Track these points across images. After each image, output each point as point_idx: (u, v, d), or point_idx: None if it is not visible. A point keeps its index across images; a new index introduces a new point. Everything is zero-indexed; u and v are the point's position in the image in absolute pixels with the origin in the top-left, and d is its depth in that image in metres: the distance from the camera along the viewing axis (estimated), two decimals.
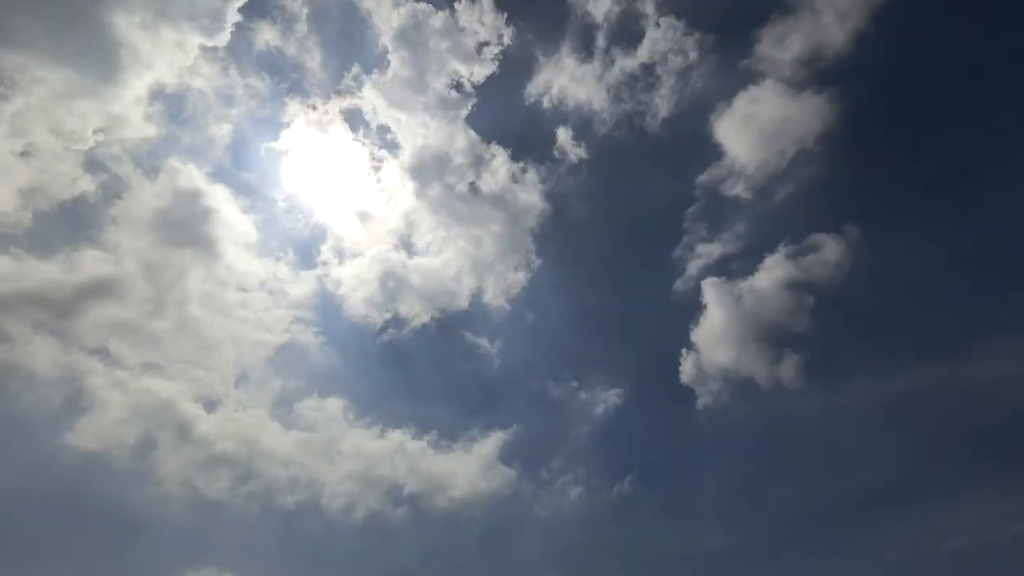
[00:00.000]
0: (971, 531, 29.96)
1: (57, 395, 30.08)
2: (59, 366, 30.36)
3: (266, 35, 37.26)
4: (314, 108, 37.84)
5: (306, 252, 37.08)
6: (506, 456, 33.79)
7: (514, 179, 37.49)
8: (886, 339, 35.21)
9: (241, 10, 33.48)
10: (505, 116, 38.42)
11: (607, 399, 34.97)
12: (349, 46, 38.51)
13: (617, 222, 37.96)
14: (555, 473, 33.78)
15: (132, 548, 28.71)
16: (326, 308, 36.32)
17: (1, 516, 26.46)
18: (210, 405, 32.92)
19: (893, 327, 35.21)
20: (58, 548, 27.18)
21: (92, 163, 32.98)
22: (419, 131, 38.26)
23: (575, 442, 35.25)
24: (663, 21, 36.24)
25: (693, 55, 35.94)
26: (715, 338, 33.94)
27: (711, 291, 34.41)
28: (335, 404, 34.54)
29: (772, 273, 34.33)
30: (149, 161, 34.51)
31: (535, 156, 37.77)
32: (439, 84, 37.76)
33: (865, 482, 32.58)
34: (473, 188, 37.54)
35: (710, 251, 35.62)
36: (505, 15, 37.42)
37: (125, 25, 31.62)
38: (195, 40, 32.98)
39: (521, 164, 37.79)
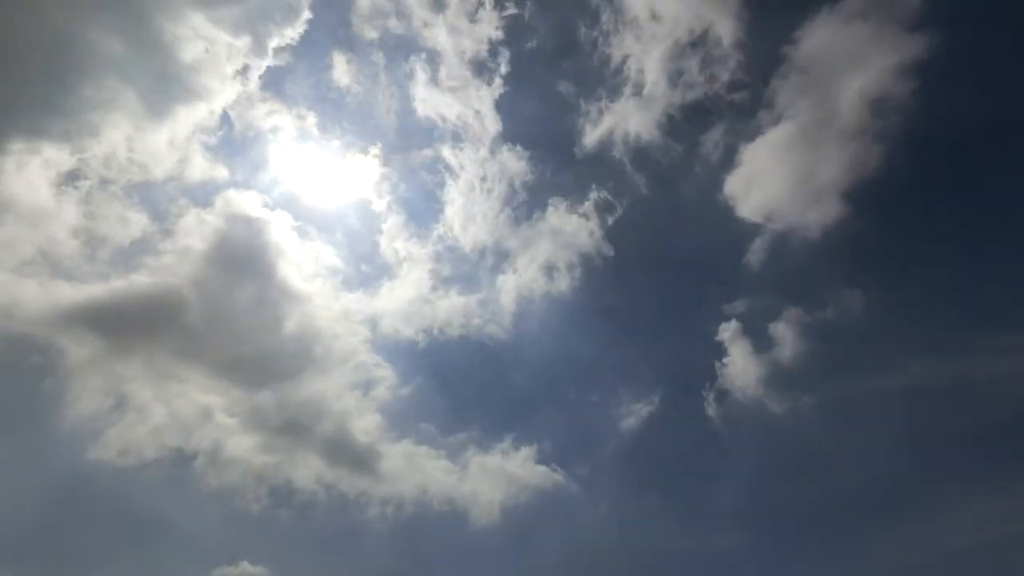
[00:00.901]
0: (973, 529, 30.06)
1: (106, 406, 31.51)
2: (109, 377, 31.99)
3: (337, 72, 38.46)
4: (368, 152, 38.83)
5: (356, 275, 38.01)
6: (538, 466, 34.80)
7: (568, 208, 38.63)
8: (888, 335, 35.50)
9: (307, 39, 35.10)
10: (557, 148, 40.00)
11: (638, 411, 35.99)
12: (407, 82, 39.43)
13: (656, 258, 39.32)
14: (584, 485, 34.85)
15: (169, 549, 30.25)
16: (373, 329, 37.25)
17: (54, 517, 28.68)
18: (251, 417, 33.65)
19: (894, 323, 35.42)
20: (99, 549, 29.22)
21: (151, 199, 34.53)
22: (471, 161, 39.39)
23: (602, 457, 36.34)
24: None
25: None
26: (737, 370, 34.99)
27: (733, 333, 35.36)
28: (373, 420, 35.58)
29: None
30: (205, 192, 35.93)
31: (585, 186, 38.82)
32: (494, 112, 38.73)
33: (867, 480, 32.92)
34: (520, 215, 38.97)
35: (739, 295, 36.69)
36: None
37: (193, 49, 33.08)
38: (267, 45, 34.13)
39: (569, 193, 38.89)
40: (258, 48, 34.34)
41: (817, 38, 35.03)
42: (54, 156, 31.73)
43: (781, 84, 36.01)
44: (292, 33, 34.76)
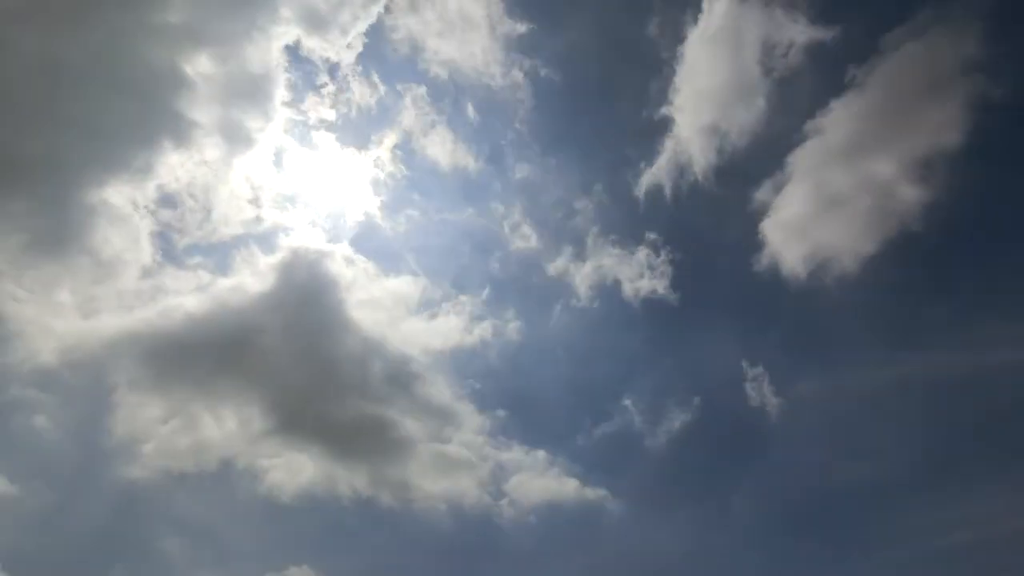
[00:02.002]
0: (974, 525, 29.51)
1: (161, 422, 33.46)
2: (166, 396, 33.72)
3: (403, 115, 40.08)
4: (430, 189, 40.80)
5: (413, 302, 39.37)
6: (570, 479, 35.91)
7: (616, 244, 39.97)
8: (886, 327, 35.19)
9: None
10: (610, 189, 41.38)
11: (670, 427, 36.87)
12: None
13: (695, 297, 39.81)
14: (617, 498, 35.73)
15: (218, 556, 32.33)
16: (423, 349, 38.59)
17: (107, 525, 31.19)
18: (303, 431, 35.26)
19: (893, 315, 35.15)
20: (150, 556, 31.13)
21: (218, 229, 36.24)
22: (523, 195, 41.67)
23: (632, 473, 37.55)
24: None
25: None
26: None
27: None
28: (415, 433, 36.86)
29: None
30: (272, 229, 37.40)
31: (635, 225, 40.25)
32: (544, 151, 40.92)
33: (866, 475, 32.63)
34: (573, 252, 40.53)
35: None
36: None
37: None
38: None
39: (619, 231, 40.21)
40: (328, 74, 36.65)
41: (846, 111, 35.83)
42: (124, 190, 33.37)
43: (813, 146, 36.57)
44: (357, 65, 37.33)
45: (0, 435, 30.85)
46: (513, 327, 39.41)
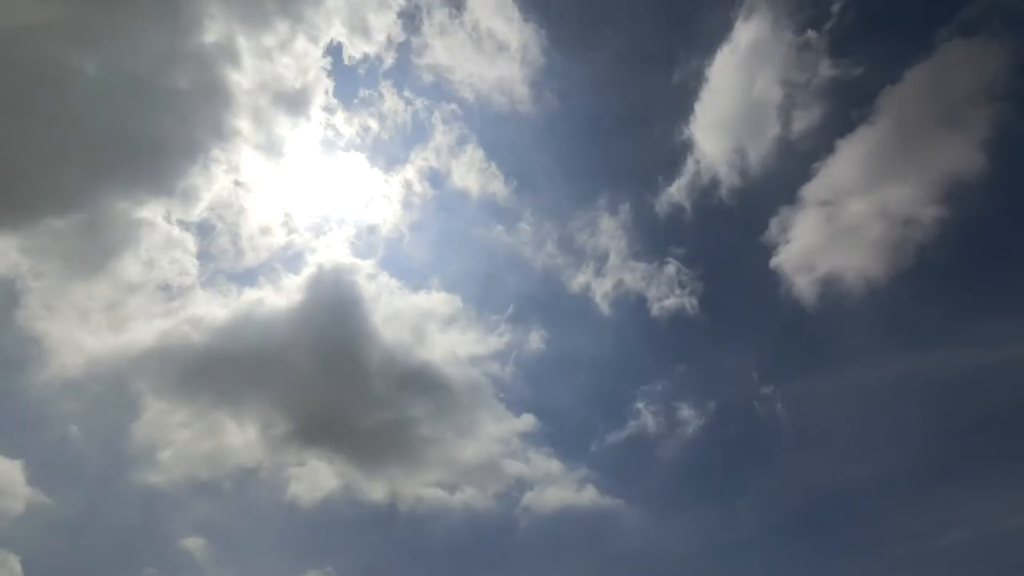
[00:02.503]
0: (969, 525, 29.60)
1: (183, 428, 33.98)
2: (191, 407, 34.24)
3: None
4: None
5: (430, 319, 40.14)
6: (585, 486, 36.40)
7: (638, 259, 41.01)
8: (887, 331, 35.32)
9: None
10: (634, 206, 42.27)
11: (681, 434, 37.45)
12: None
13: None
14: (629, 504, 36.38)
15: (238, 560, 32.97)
16: (448, 360, 39.40)
17: (123, 528, 31.83)
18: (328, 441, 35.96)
19: (894, 317, 35.30)
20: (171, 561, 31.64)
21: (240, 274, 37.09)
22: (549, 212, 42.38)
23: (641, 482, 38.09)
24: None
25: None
26: None
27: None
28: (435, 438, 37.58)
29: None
30: (297, 249, 38.06)
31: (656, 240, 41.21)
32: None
33: (861, 475, 32.79)
34: (592, 269, 41.38)
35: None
36: None
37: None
38: None
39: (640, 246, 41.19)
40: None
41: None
42: (159, 210, 33.86)
43: (833, 172, 37.26)
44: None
45: (34, 448, 31.33)
46: (535, 339, 40.04)
